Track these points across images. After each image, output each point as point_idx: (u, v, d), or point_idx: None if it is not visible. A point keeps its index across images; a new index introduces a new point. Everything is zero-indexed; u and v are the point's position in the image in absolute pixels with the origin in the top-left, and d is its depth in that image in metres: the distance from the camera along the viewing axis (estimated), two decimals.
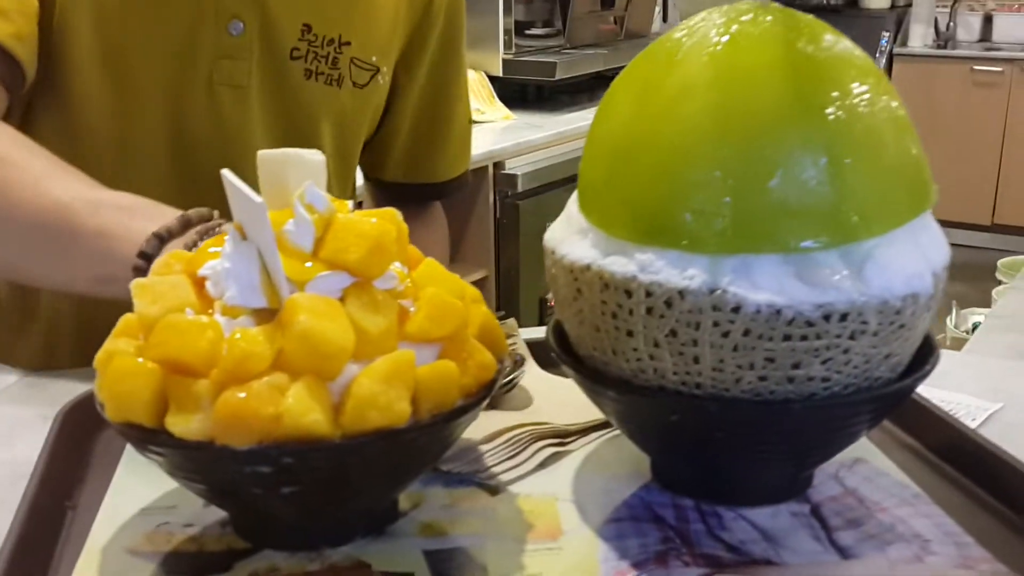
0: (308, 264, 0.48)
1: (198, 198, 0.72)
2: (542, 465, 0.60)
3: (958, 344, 1.67)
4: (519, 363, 0.68)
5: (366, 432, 0.45)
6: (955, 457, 0.58)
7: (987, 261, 2.92)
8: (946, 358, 0.80)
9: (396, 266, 0.51)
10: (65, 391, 0.71)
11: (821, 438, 0.52)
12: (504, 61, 2.73)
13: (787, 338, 0.47)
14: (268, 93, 0.90)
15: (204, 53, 0.86)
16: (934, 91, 4.41)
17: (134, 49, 0.85)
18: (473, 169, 2.19)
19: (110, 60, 0.84)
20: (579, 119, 2.63)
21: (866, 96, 0.48)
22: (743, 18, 0.50)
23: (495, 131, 2.45)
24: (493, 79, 2.69)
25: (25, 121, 0.86)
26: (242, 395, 0.44)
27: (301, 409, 0.44)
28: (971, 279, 3.89)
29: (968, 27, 4.66)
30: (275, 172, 0.51)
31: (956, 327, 2.01)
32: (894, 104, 0.50)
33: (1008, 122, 4.31)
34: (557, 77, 2.72)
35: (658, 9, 3.43)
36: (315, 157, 0.52)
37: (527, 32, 2.90)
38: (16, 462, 0.61)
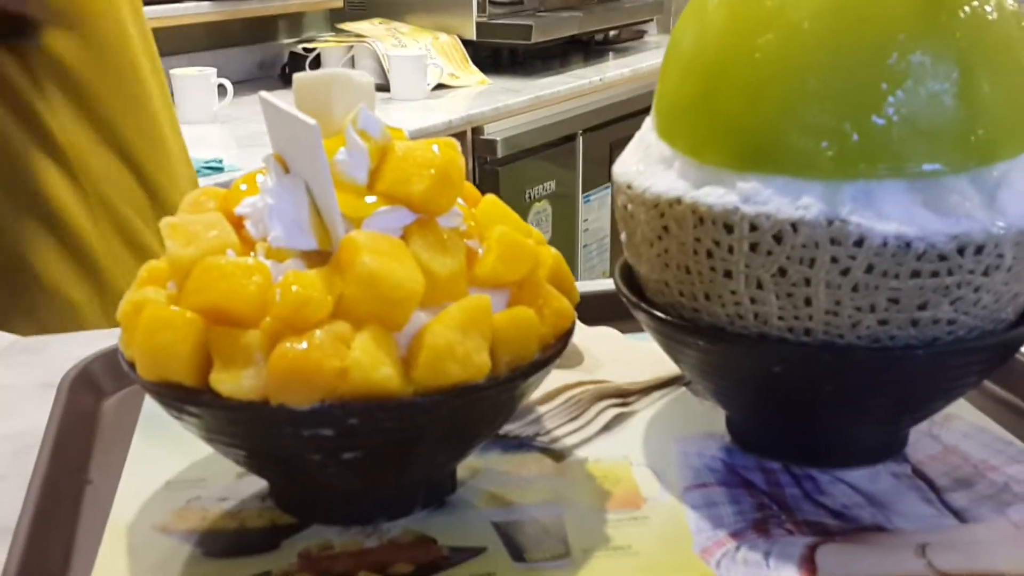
0: (366, 199, 0.42)
1: None
2: (607, 427, 0.54)
3: None
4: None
5: (442, 388, 0.39)
6: None
7: None
8: None
9: (459, 202, 0.45)
10: (61, 357, 0.64)
11: (936, 388, 0.46)
12: (478, 24, 2.65)
13: (915, 275, 0.41)
14: None
15: None
16: None
17: None
18: (452, 134, 2.14)
19: None
20: (557, 83, 2.56)
21: (1007, 16, 0.42)
22: None
23: (471, 96, 2.38)
24: (467, 43, 2.62)
25: None
26: (302, 347, 0.38)
27: (370, 362, 0.38)
28: None
29: None
30: (317, 97, 0.45)
31: None
32: (1019, 6, 0.44)
33: None
34: (533, 40, 2.65)
35: None
36: (363, 78, 0.45)
37: None
38: (19, 434, 0.55)
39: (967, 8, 0.41)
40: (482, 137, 2.29)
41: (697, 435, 0.53)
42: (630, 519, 0.46)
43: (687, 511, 0.46)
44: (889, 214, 0.41)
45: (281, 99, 0.42)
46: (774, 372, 0.45)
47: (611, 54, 3.08)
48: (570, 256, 2.51)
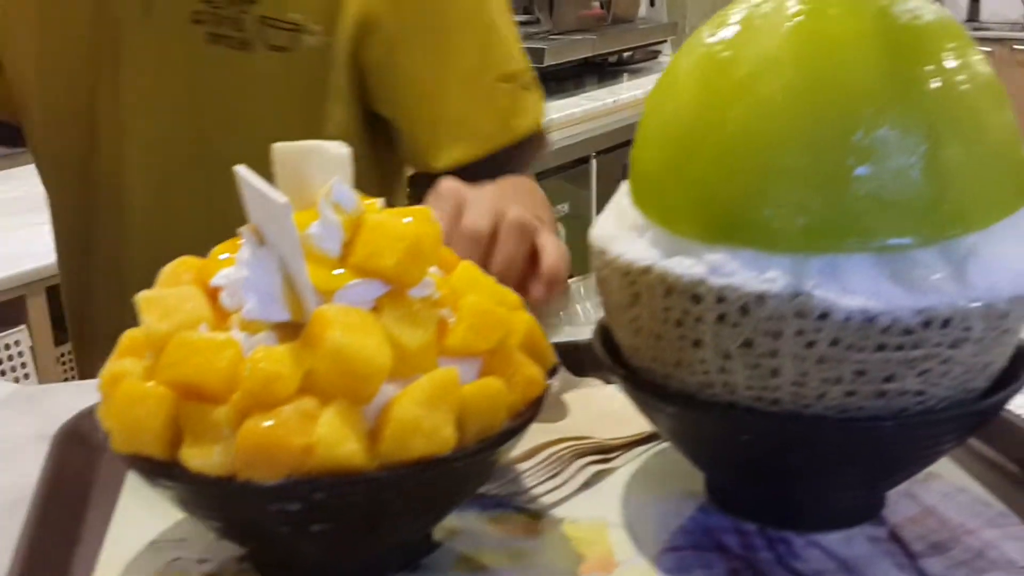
0: (337, 271, 0.42)
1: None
2: (586, 485, 0.54)
3: None
4: (552, 369, 0.63)
5: (407, 462, 0.40)
6: None
7: None
8: None
9: (432, 271, 0.45)
10: (62, 407, 0.65)
11: (907, 457, 0.47)
12: None
13: (881, 348, 0.41)
14: (169, 64, 0.83)
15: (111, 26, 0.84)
16: None
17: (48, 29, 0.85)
18: None
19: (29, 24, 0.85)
20: (571, 105, 2.57)
21: (964, 70, 0.43)
22: None
23: None
24: None
25: None
26: (268, 423, 0.38)
27: (335, 439, 0.38)
28: None
29: (956, 7, 4.61)
30: (294, 167, 0.46)
31: None
32: (991, 77, 0.44)
33: None
34: (546, 63, 2.67)
35: None
36: (339, 149, 0.46)
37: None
38: (13, 486, 0.55)
39: (935, 82, 0.42)
40: None
41: (676, 494, 0.53)
42: None
43: (657, 574, 0.47)
44: (855, 288, 0.41)
45: None
46: (743, 440, 0.45)
47: (626, 75, 3.09)
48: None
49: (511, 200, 0.67)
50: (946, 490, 0.53)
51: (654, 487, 0.54)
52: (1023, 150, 0.45)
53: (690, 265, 0.43)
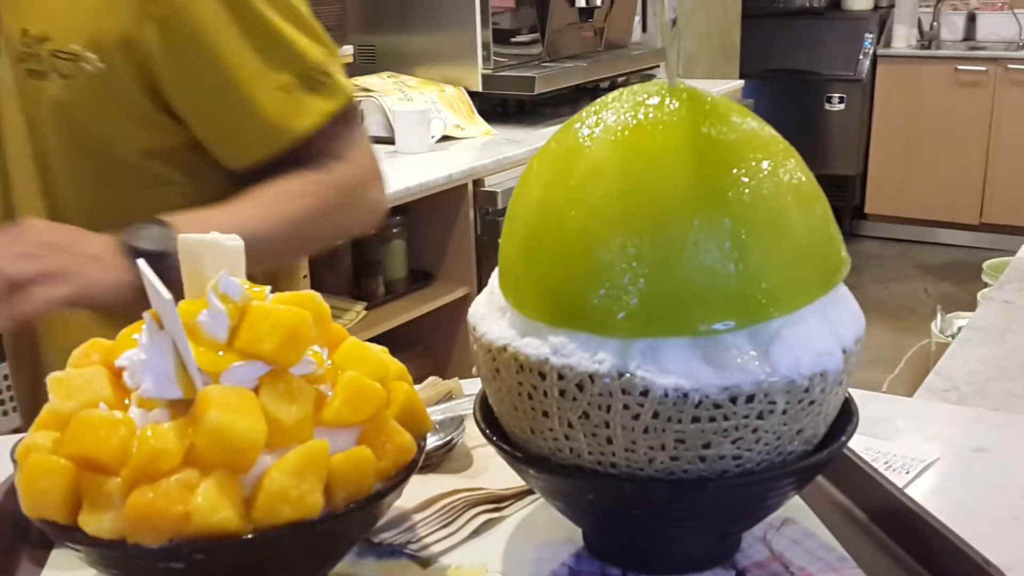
0: (222, 354, 0.48)
1: None
2: (476, 533, 0.60)
3: (941, 350, 1.67)
4: (458, 424, 0.69)
5: (278, 525, 0.45)
6: (882, 518, 0.59)
7: (976, 260, 2.94)
8: (888, 405, 0.81)
9: (316, 349, 0.51)
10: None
11: (739, 511, 0.52)
12: (483, 76, 2.73)
13: (696, 420, 0.47)
14: (6, 95, 0.95)
15: None
16: (919, 91, 4.41)
17: None
18: (453, 187, 2.21)
19: None
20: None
21: (771, 176, 0.48)
22: (650, 101, 0.50)
23: (475, 147, 2.45)
24: (473, 94, 2.69)
25: None
26: (151, 494, 0.44)
27: (210, 507, 0.44)
28: (959, 280, 3.90)
29: (952, 27, 4.66)
30: (193, 257, 0.52)
31: (941, 332, 2.01)
32: (802, 179, 0.50)
33: (993, 121, 4.30)
34: (537, 91, 2.72)
35: (637, 19, 3.43)
36: (232, 242, 0.52)
37: (512, 40, 2.90)
38: None
39: (740, 187, 0.48)
40: (483, 189, 2.35)
41: (555, 541, 0.59)
42: None
43: None
44: (670, 368, 0.47)
45: None
46: (589, 499, 0.51)
47: None
48: None
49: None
50: (796, 536, 0.58)
51: (536, 534, 0.60)
52: (829, 243, 0.50)
53: (537, 346, 0.49)
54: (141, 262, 0.49)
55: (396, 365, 0.55)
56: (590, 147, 0.50)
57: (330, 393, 0.50)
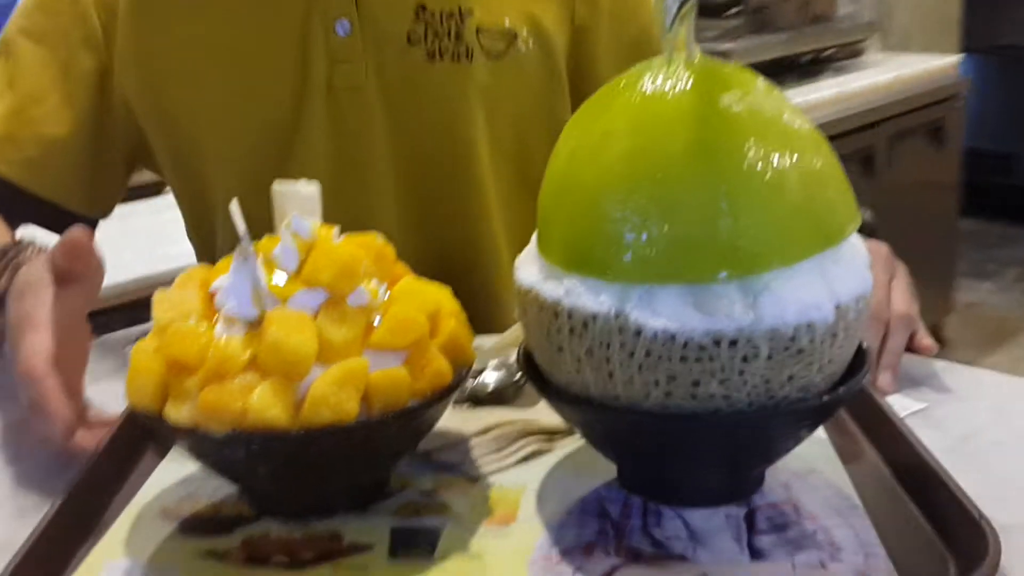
0: (289, 283, 0.57)
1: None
2: (525, 459, 0.67)
3: None
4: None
5: (318, 427, 0.54)
6: (903, 473, 0.62)
7: None
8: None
9: (373, 284, 0.59)
10: None
11: (740, 449, 0.57)
12: None
13: (684, 360, 0.52)
14: (388, 88, 0.90)
15: (317, 60, 0.89)
16: None
17: (249, 67, 0.90)
18: None
19: (225, 81, 0.92)
20: None
21: (770, 146, 0.53)
22: (666, 72, 0.55)
23: None
24: None
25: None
26: (218, 392, 0.54)
27: (263, 405, 0.53)
28: None
29: None
30: (280, 203, 0.61)
31: None
32: (806, 154, 0.54)
33: None
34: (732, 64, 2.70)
35: None
36: (307, 189, 0.61)
37: (724, 15, 2.88)
38: None
39: (740, 151, 0.52)
40: None
41: (595, 472, 0.65)
42: (495, 535, 0.59)
43: (543, 531, 0.59)
44: (662, 312, 0.52)
45: None
46: (599, 429, 0.57)
47: (826, 74, 3.04)
48: None
49: (891, 273, 0.79)
50: (817, 484, 0.62)
51: (579, 466, 0.66)
52: (832, 209, 0.54)
53: (553, 288, 0.56)
54: (233, 204, 0.59)
55: (451, 304, 0.63)
56: (609, 111, 0.55)
57: (379, 322, 0.58)
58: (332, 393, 0.54)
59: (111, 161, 0.98)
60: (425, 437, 0.67)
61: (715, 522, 0.59)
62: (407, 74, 0.90)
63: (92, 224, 0.98)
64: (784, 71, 2.99)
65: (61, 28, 0.93)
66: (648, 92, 0.55)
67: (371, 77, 0.90)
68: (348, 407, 0.54)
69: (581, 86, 0.95)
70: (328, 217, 0.63)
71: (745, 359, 0.52)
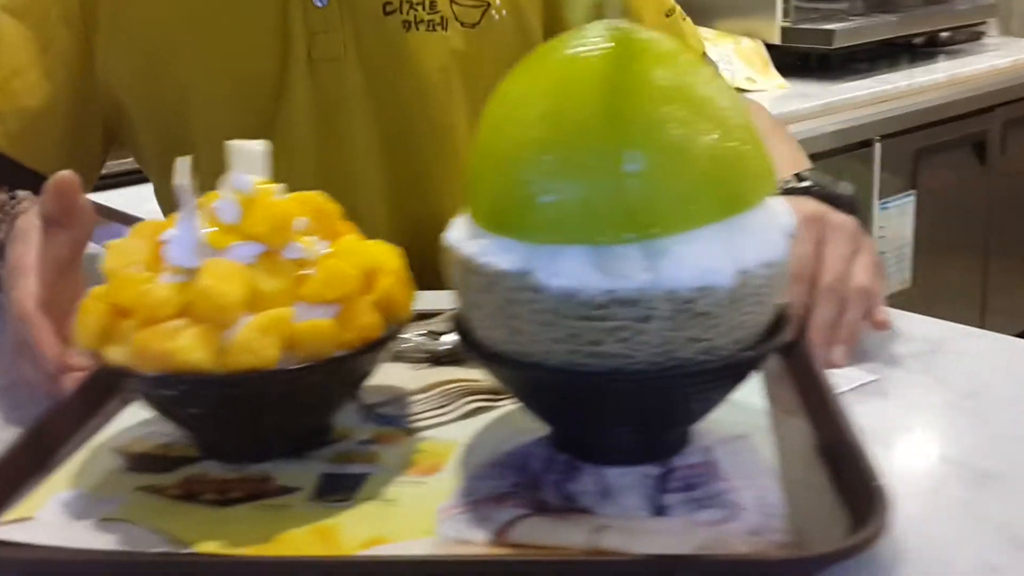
0: (227, 235, 0.60)
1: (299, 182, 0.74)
2: (466, 416, 0.69)
3: None
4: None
5: (240, 371, 0.57)
6: (824, 442, 0.63)
7: None
8: None
9: (311, 240, 0.62)
10: None
11: (646, 410, 0.58)
12: (782, 29, 2.69)
13: (583, 318, 0.54)
14: (367, 59, 0.93)
15: (297, 32, 0.92)
16: None
17: (231, 39, 0.94)
18: None
19: (208, 53, 0.95)
20: (856, 88, 2.55)
21: (679, 114, 0.54)
22: (587, 38, 0.57)
23: (762, 101, 2.46)
24: (773, 48, 2.67)
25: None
26: (149, 334, 0.57)
27: (188, 348, 0.57)
28: None
29: None
30: (231, 159, 0.64)
31: None
32: (718, 126, 0.55)
33: None
34: (835, 45, 2.65)
35: None
36: (255, 147, 0.64)
37: None
38: None
39: (642, 117, 0.54)
40: None
41: (529, 431, 0.67)
42: (415, 482, 0.61)
43: (461, 482, 0.61)
44: (564, 271, 0.54)
45: None
46: (513, 385, 0.59)
47: (941, 57, 2.96)
48: None
49: (855, 247, 0.77)
50: (739, 449, 0.64)
51: (517, 424, 0.68)
52: (742, 178, 0.55)
53: (471, 245, 0.58)
54: (180, 159, 0.62)
55: (393, 263, 0.65)
56: (530, 74, 0.57)
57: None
58: (255, 339, 0.57)
59: (90, 135, 1.02)
60: (373, 392, 0.70)
61: (629, 479, 0.60)
62: (385, 44, 0.93)
63: None
64: (897, 53, 2.91)
65: (41, 5, 0.98)
66: (566, 56, 0.56)
67: (350, 48, 0.93)
68: (268, 353, 0.57)
69: None
70: (312, 186, 0.66)
71: (644, 320, 0.54)
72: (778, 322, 0.60)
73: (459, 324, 0.63)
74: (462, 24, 0.93)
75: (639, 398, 0.57)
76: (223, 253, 0.60)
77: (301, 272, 0.61)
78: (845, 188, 0.85)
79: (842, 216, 0.79)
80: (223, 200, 0.61)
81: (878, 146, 2.50)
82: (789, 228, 0.59)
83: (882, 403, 0.73)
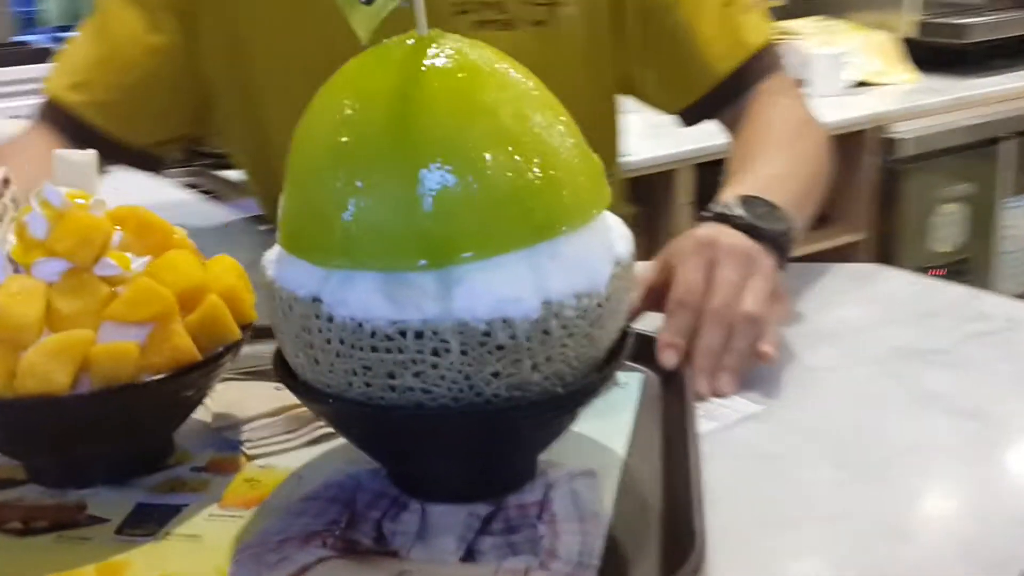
0: (32, 250, 0.57)
1: None
2: (313, 442, 0.66)
3: None
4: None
5: (27, 396, 0.54)
6: (667, 481, 0.58)
7: None
8: None
9: (128, 256, 0.59)
10: None
11: (457, 447, 0.54)
12: (915, 23, 2.64)
13: (375, 349, 0.50)
14: None
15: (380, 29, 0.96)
16: None
17: (322, 34, 0.91)
18: (854, 131, 2.17)
19: (299, 48, 0.96)
20: (987, 84, 2.47)
21: (480, 133, 0.50)
22: (392, 48, 0.53)
23: (891, 94, 2.40)
24: (910, 42, 2.60)
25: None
26: None
27: None
28: None
29: None
30: (56, 169, 0.61)
31: None
32: (530, 146, 0.50)
33: None
34: (968, 40, 2.58)
35: None
36: (80, 157, 0.61)
37: None
38: None
39: (437, 136, 0.49)
40: (885, 135, 2.29)
41: (368, 460, 0.63)
42: (231, 517, 0.58)
43: (277, 515, 0.57)
44: (352, 299, 0.50)
45: None
46: (319, 413, 0.55)
47: None
48: (984, 262, 2.45)
49: (748, 272, 0.73)
50: (583, 487, 0.59)
51: (357, 452, 0.64)
52: (548, 198, 0.51)
53: (272, 268, 0.54)
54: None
55: (223, 283, 0.61)
56: (330, 87, 0.53)
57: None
58: (42, 363, 0.54)
59: (179, 117, 1.05)
60: (221, 414, 0.66)
61: (452, 519, 0.56)
62: None
63: (153, 167, 1.07)
64: None
65: None
66: (367, 69, 0.52)
67: None
68: (58, 378, 0.54)
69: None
70: None
71: (436, 352, 0.50)
72: (615, 352, 0.55)
73: (278, 349, 0.59)
74: (531, 23, 0.93)
75: (448, 435, 0.53)
76: (31, 269, 0.57)
77: (113, 290, 0.58)
78: (776, 223, 0.79)
79: (737, 239, 0.74)
80: (33, 214, 0.58)
81: (1007, 144, 2.42)
82: (618, 255, 0.54)
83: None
